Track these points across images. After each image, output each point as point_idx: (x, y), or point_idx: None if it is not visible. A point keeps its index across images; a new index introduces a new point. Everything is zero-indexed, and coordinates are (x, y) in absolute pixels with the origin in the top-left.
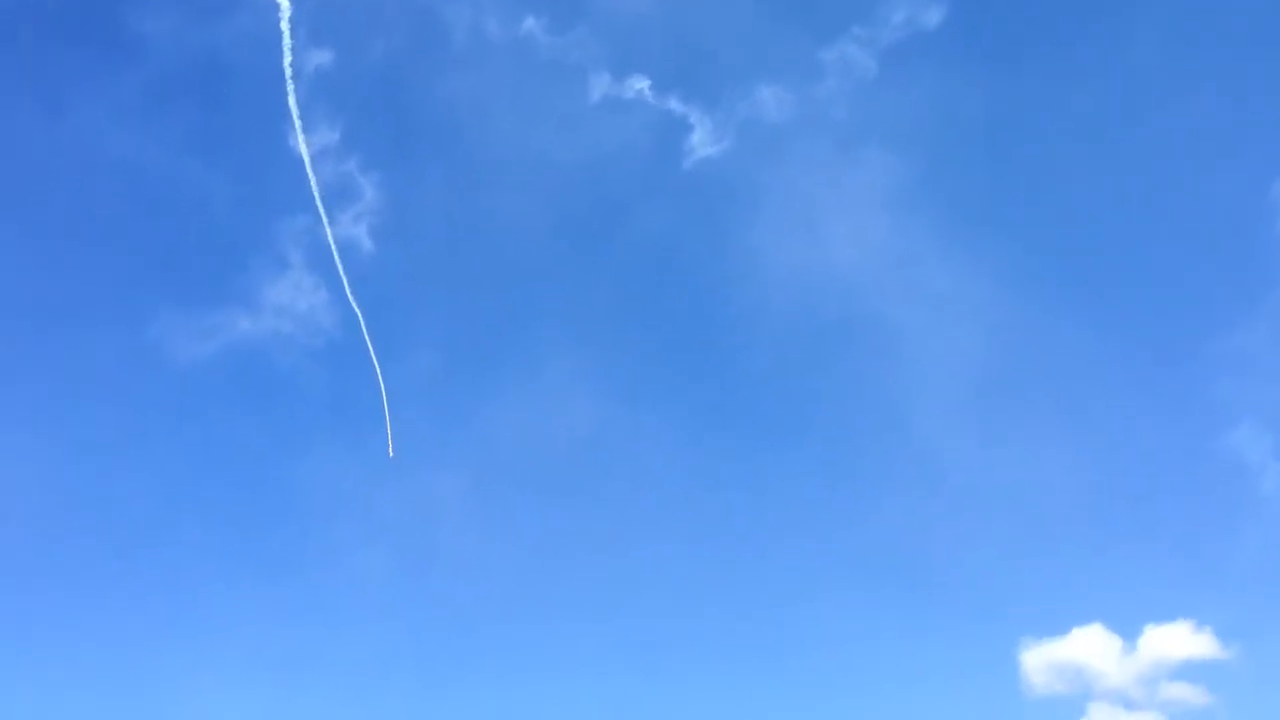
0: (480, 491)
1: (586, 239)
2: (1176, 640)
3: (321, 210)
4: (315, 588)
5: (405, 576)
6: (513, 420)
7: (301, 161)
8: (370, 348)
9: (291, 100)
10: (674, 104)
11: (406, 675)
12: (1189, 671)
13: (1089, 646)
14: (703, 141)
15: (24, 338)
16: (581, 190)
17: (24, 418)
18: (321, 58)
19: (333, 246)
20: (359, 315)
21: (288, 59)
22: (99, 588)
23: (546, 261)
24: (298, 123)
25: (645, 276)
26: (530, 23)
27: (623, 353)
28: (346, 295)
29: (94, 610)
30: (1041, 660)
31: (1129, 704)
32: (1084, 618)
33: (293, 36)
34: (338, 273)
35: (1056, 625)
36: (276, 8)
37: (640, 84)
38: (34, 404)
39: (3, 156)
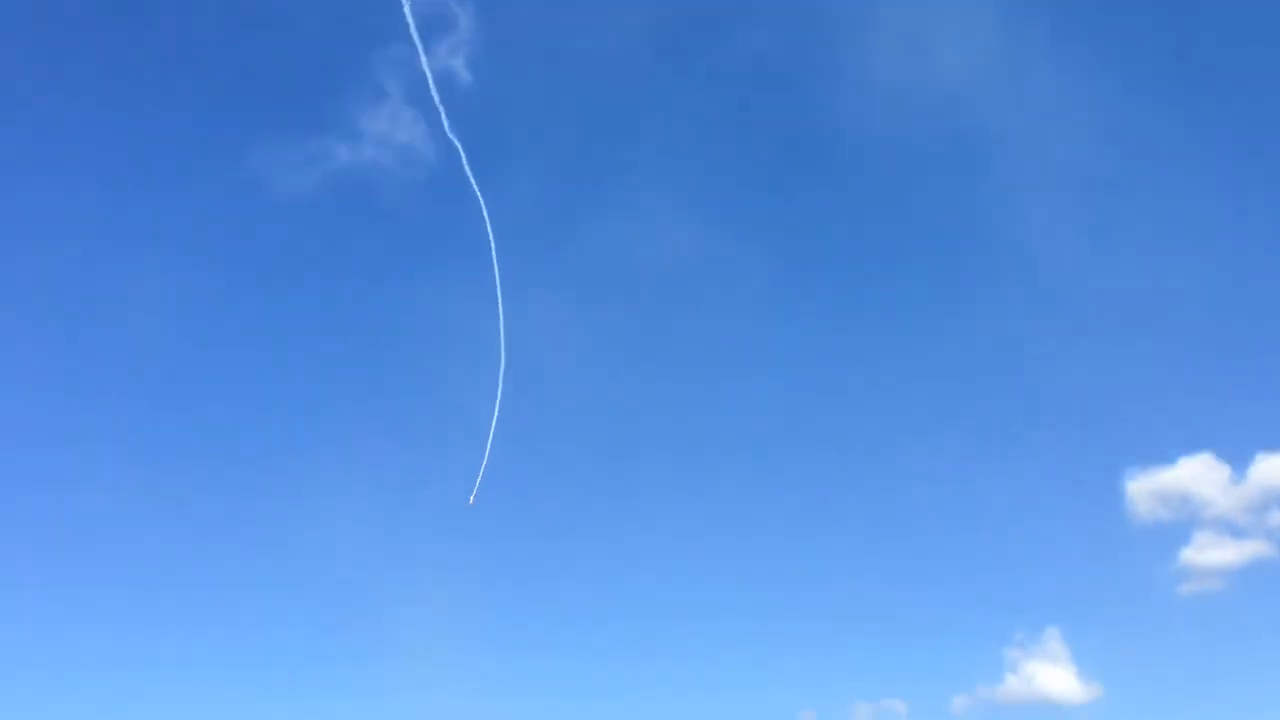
0: (582, 314)
1: (684, 60)
2: None
3: (417, 41)
4: (425, 410)
5: (511, 397)
6: (614, 243)
7: None
8: (473, 182)
9: None
10: None
11: (518, 491)
12: None
13: (1196, 475)
14: None
15: (127, 173)
16: (679, 9)
17: (132, 252)
18: None
19: (430, 79)
20: (459, 149)
21: None
22: (224, 403)
23: (645, 85)
24: None
25: (745, 97)
26: None
27: (722, 174)
28: (445, 128)
29: (222, 423)
30: (1147, 488)
31: (1235, 532)
32: (1192, 446)
33: None
34: (435, 105)
35: (1163, 454)
36: None
37: None
38: (142, 240)
39: None
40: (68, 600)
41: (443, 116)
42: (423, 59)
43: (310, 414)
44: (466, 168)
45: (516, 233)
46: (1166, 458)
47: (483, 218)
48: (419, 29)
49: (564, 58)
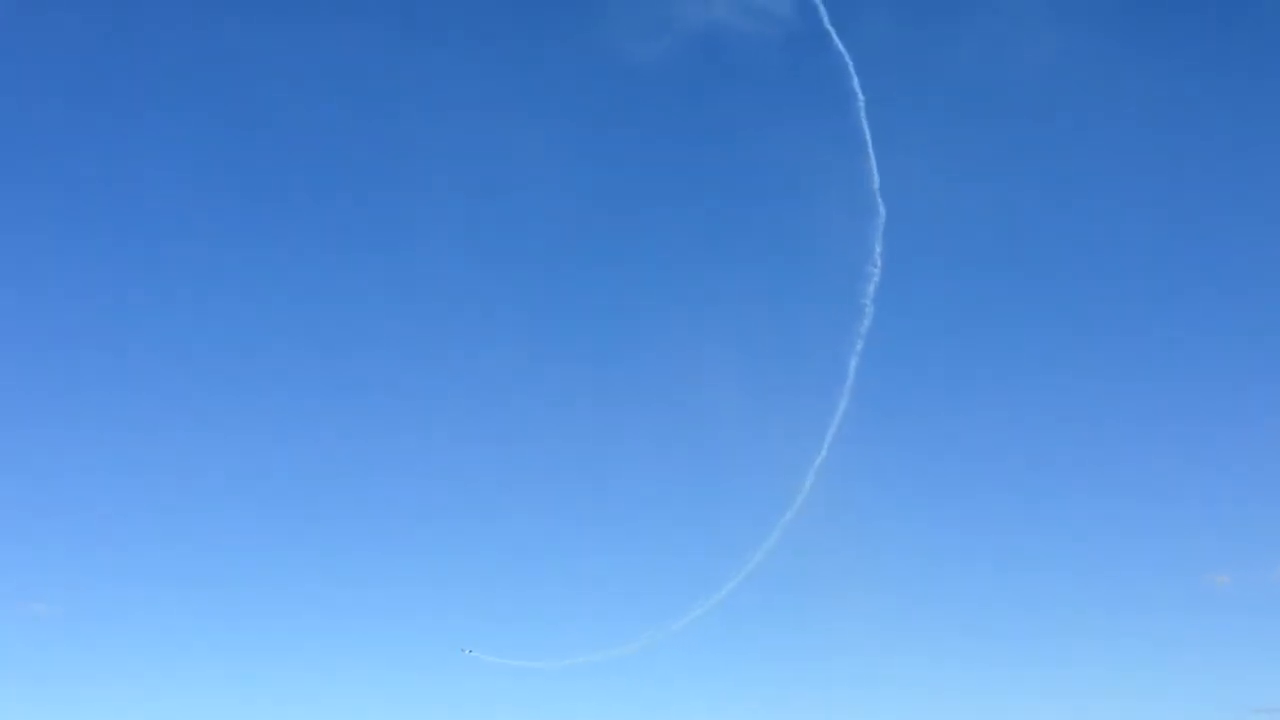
0: (955, 137)
1: None
2: None
3: None
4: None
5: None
6: (980, 62)
7: None
8: (835, 36)
9: None
10: None
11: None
12: None
13: None
14: None
15: (487, 42)
16: None
17: (508, 116)
18: None
19: None
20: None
21: None
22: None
23: None
24: None
25: None
26: None
27: None
28: None
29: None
30: None
31: None
32: None
33: None
34: None
35: None
36: None
37: None
38: (514, 105)
39: None
40: None
41: None
42: None
43: (678, 277)
44: (826, 22)
45: (879, 76)
46: None
47: (845, 70)
48: None
49: None
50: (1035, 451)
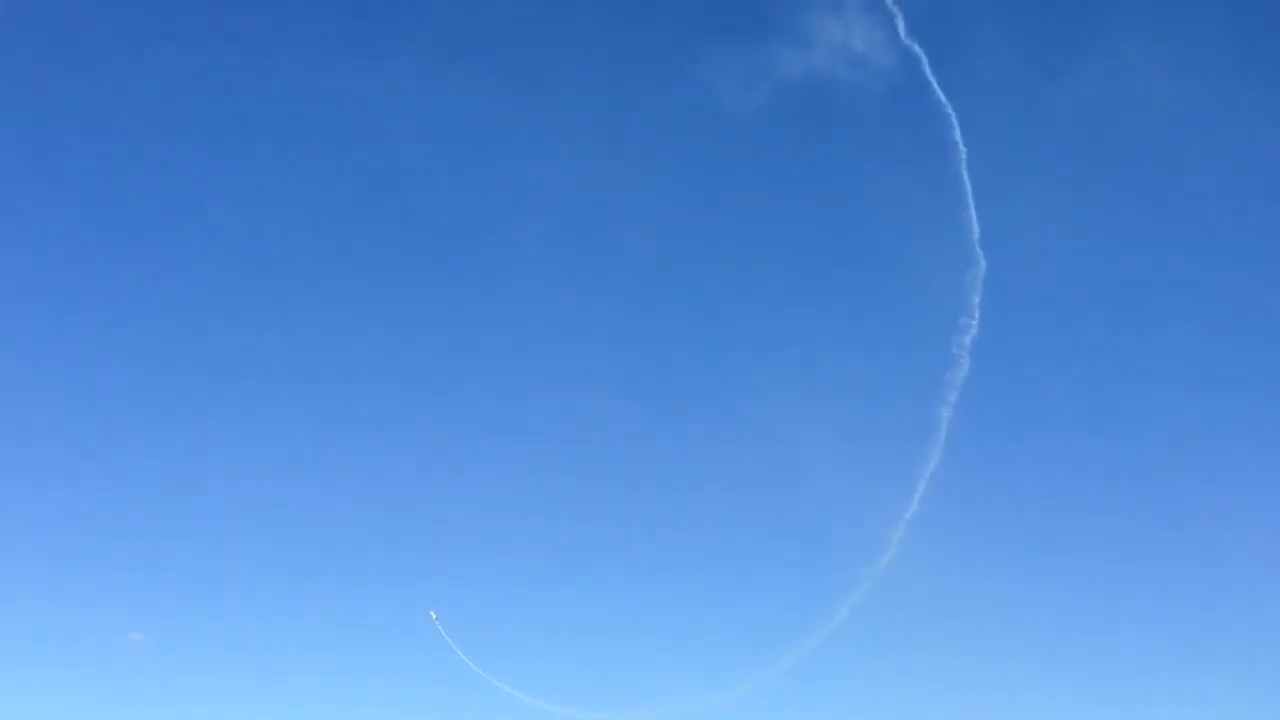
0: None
1: None
2: None
3: None
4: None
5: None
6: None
7: None
8: (936, 87)
9: None
10: None
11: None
12: None
13: None
14: None
15: (589, 80)
16: None
17: (601, 159)
18: None
19: None
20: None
21: None
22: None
23: None
24: None
25: None
26: None
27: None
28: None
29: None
30: None
31: None
32: None
33: None
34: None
35: None
36: None
37: None
38: (607, 148)
39: None
40: None
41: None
42: None
43: (770, 317)
44: (928, 71)
45: (981, 124)
46: None
47: (947, 120)
48: None
49: None
50: (1131, 509)
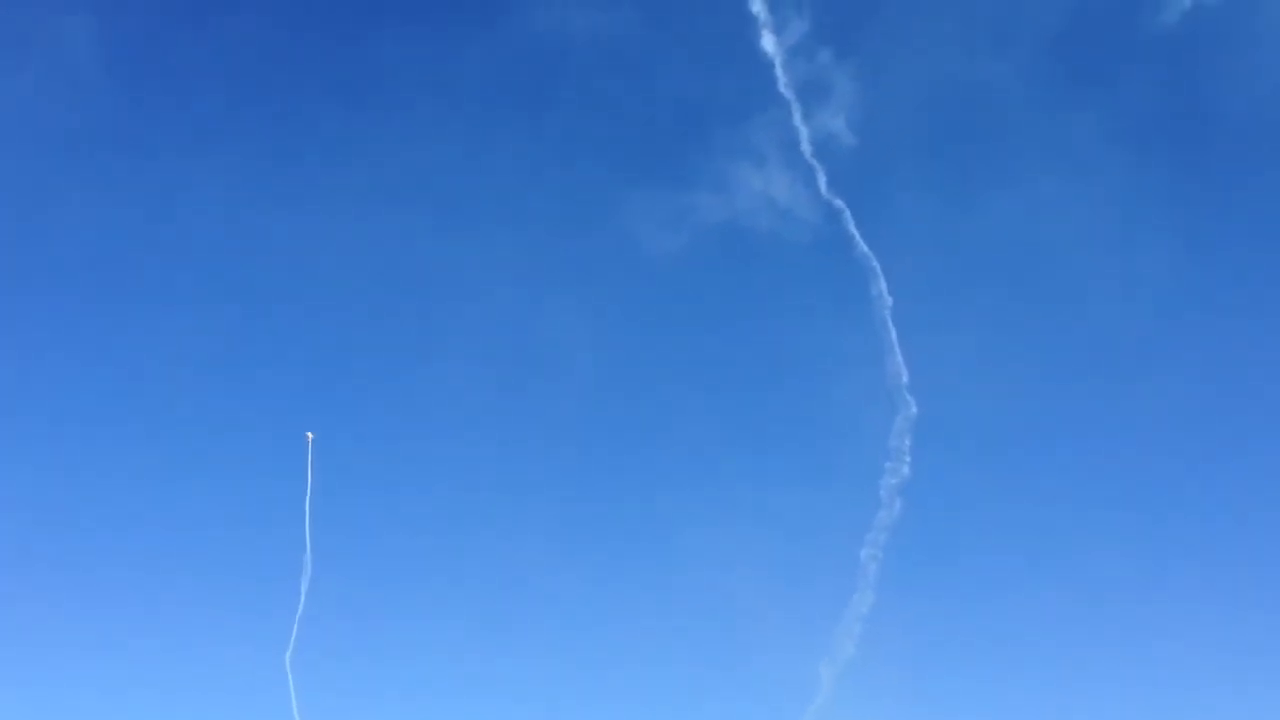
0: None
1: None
2: None
3: (793, 103)
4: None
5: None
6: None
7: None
8: (859, 240)
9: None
10: None
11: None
12: None
13: None
14: None
15: (515, 222)
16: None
17: (497, 308)
18: None
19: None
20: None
21: None
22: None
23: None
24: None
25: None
26: None
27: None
28: (820, 190)
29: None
30: None
31: None
32: None
33: None
34: (813, 166)
35: None
36: None
37: None
38: (542, 286)
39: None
40: None
41: (820, 178)
42: (797, 119)
43: (693, 458)
44: (851, 226)
45: (904, 269)
46: None
47: (870, 269)
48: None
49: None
50: (1063, 654)
